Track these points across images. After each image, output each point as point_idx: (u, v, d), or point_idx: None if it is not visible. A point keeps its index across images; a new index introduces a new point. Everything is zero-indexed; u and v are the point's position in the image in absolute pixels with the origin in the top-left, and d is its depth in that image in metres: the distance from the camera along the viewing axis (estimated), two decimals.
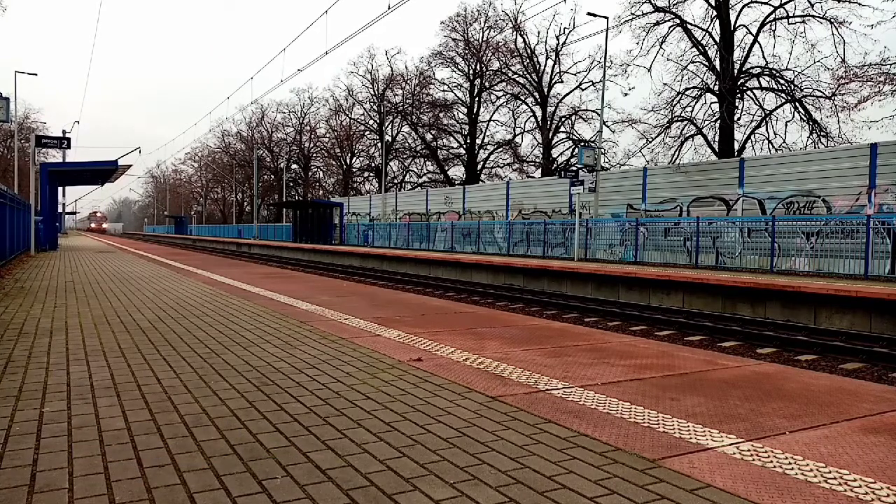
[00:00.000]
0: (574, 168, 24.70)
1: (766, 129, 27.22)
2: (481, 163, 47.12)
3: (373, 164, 54.88)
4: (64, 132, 36.13)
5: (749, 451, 2.43)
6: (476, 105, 46.82)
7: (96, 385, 3.38)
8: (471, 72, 46.11)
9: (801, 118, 25.92)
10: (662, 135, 27.92)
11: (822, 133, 25.20)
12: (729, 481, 2.14)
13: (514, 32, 41.29)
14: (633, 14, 28.00)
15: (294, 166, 65.09)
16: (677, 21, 27.70)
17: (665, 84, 28.86)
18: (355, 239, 37.20)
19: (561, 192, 24.84)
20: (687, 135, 27.78)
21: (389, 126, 52.51)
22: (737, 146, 27.13)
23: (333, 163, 61.29)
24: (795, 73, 25.92)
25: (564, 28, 45.15)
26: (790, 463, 2.30)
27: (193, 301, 7.17)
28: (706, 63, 27.60)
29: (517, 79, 43.32)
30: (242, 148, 69.82)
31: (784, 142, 26.71)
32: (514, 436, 2.60)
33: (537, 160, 43.62)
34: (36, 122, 51.95)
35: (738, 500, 2.00)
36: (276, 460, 2.31)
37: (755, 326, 10.88)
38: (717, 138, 27.39)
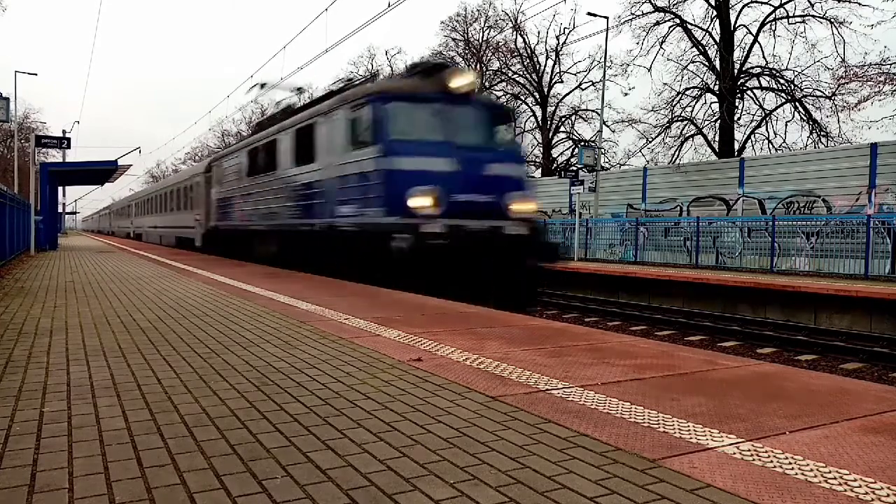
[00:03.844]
0: (574, 168, 24.70)
1: (766, 129, 27.25)
2: None
3: None
4: (64, 132, 36.16)
5: (749, 450, 2.43)
6: None
7: (96, 385, 3.37)
8: None
9: (801, 118, 25.93)
10: (662, 135, 27.97)
11: (822, 133, 25.22)
12: (729, 481, 2.14)
13: (514, 32, 41.27)
14: (633, 14, 28.03)
15: None
16: (677, 21, 27.71)
17: (665, 84, 28.92)
18: None
19: (561, 191, 24.84)
20: (687, 135, 27.81)
21: None
22: (737, 146, 27.13)
23: None
24: (795, 73, 25.95)
25: (564, 28, 45.19)
26: (790, 463, 2.30)
27: (193, 301, 7.17)
28: (706, 63, 27.61)
29: (517, 79, 43.30)
30: None
31: (784, 142, 26.73)
32: (515, 436, 2.60)
33: (537, 160, 43.60)
34: (36, 122, 51.93)
35: (738, 500, 2.00)
36: (276, 460, 2.31)
37: (755, 326, 10.88)
38: (717, 138, 27.40)
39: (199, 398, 3.14)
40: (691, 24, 27.59)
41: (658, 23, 28.04)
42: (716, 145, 27.29)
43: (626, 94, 40.11)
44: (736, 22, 26.71)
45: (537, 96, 42.34)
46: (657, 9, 27.78)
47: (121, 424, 2.71)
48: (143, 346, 4.46)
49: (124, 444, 2.47)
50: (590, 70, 39.42)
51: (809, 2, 24.94)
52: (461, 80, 9.46)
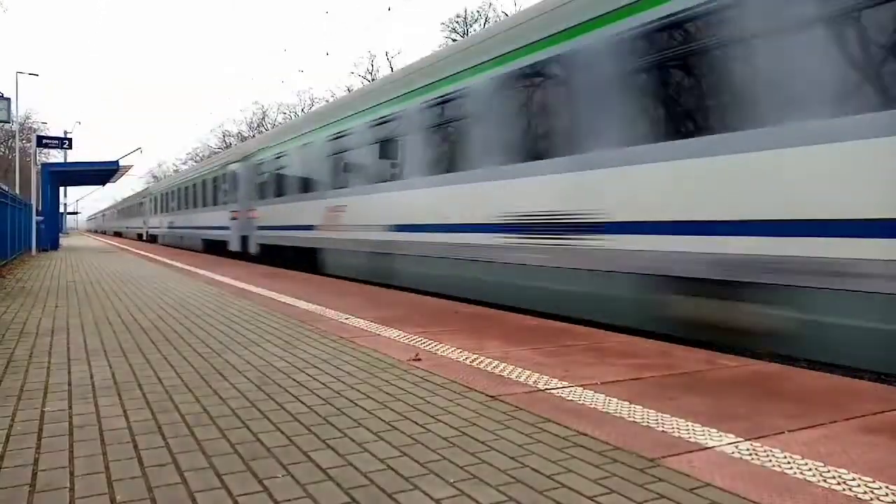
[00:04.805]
0: None
1: None
2: None
3: None
4: (65, 132, 36.23)
5: (748, 450, 2.43)
6: None
7: (97, 385, 3.39)
8: None
9: None
10: None
11: None
12: (728, 480, 2.14)
13: None
14: None
15: None
16: None
17: None
18: None
19: None
20: None
21: None
22: None
23: None
24: None
25: None
26: (789, 462, 2.31)
27: (194, 301, 7.18)
28: None
29: None
30: None
31: None
32: (514, 435, 2.61)
33: None
34: (37, 123, 52.05)
35: (737, 500, 2.00)
36: (276, 459, 2.32)
37: None
38: None
39: (200, 397, 3.14)
40: None
41: None
42: None
43: None
44: None
45: None
46: None
47: (122, 424, 2.72)
48: (144, 346, 4.47)
49: (125, 443, 2.48)
50: None
51: None
52: None
